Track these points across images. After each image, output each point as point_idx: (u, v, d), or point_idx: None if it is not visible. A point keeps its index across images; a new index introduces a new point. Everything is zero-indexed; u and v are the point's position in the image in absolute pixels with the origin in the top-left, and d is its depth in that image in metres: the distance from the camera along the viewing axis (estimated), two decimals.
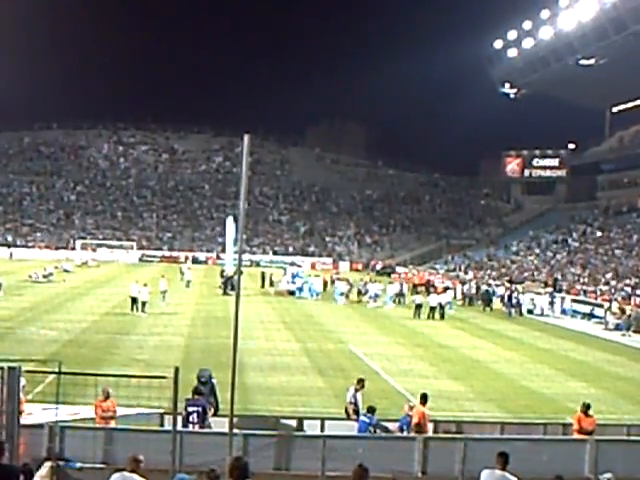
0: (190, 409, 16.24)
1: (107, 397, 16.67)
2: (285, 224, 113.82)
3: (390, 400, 23.71)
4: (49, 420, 14.95)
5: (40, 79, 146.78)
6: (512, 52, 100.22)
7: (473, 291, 61.34)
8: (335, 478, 14.27)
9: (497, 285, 65.33)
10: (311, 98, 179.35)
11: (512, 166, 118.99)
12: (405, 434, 17.26)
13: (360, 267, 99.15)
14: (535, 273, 74.64)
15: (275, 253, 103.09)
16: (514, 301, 55.48)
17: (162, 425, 16.71)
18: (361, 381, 19.91)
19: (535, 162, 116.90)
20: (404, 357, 34.37)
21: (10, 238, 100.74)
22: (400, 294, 58.63)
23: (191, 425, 16.09)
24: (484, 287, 62.68)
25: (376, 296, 56.15)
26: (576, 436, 17.45)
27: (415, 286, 65.21)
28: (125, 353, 30.86)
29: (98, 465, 14.27)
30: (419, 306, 50.17)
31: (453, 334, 43.20)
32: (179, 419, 15.13)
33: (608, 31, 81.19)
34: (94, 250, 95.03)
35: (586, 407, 18.05)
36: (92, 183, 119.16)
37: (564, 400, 25.13)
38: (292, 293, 58.98)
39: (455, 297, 58.01)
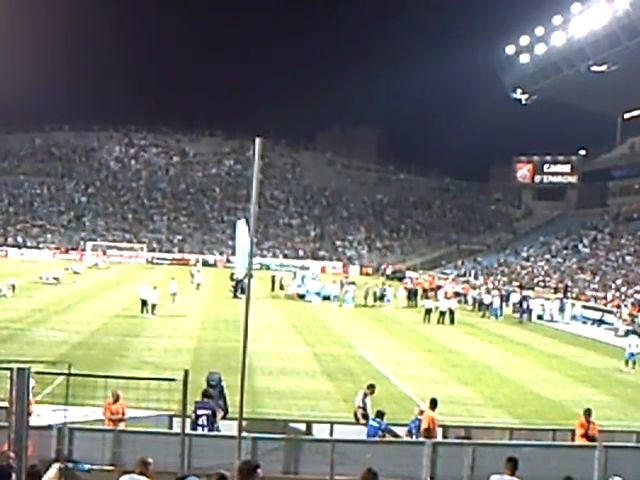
0: (199, 412, 16.25)
1: (117, 400, 16.70)
2: (296, 228, 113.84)
3: (399, 405, 23.70)
4: (58, 422, 14.96)
5: (52, 80, 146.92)
6: (524, 58, 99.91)
7: (483, 296, 61.09)
8: None
9: (510, 291, 65.07)
10: (323, 102, 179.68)
11: (523, 172, 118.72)
12: (414, 439, 17.25)
13: (370, 271, 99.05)
14: (545, 279, 74.48)
15: (285, 257, 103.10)
16: (525, 307, 55.35)
17: (171, 427, 16.73)
18: (371, 386, 19.90)
19: (546, 168, 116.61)
20: (414, 362, 34.36)
21: (20, 239, 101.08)
22: (410, 297, 59.66)
23: (200, 428, 16.09)
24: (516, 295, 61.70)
25: (335, 297, 58.06)
26: (584, 442, 17.43)
27: (425, 291, 65.10)
28: (135, 355, 30.90)
29: (106, 467, 14.30)
30: (429, 311, 50.13)
31: (463, 339, 43.15)
32: (188, 422, 15.13)
33: (620, 38, 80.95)
34: (104, 252, 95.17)
35: (588, 413, 18.07)
36: (103, 185, 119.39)
37: (573, 406, 25.03)
38: (302, 297, 59.02)
39: (467, 302, 58.10)
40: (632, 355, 36.00)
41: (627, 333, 47.57)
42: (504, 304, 58.15)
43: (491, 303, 56.62)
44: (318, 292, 59.35)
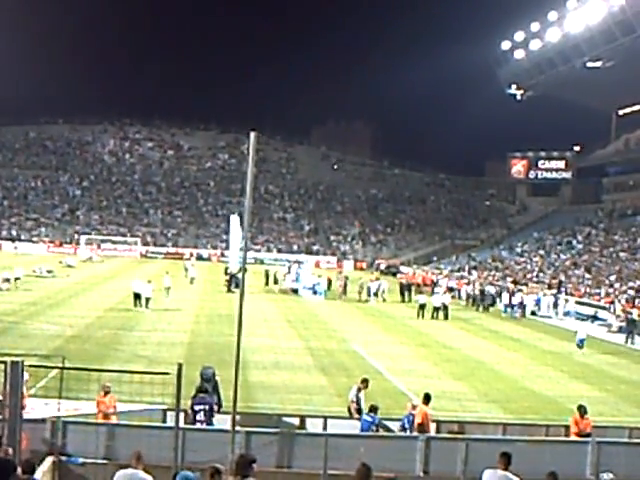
0: (197, 407, 16.23)
1: (106, 393, 16.70)
2: (290, 222, 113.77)
3: (393, 399, 23.70)
4: (51, 415, 14.96)
5: (47, 74, 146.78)
6: (519, 53, 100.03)
7: (477, 292, 61.07)
8: (337, 476, 14.26)
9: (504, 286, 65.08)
10: (318, 97, 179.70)
11: (518, 167, 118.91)
12: (407, 433, 17.27)
13: (364, 266, 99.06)
14: (539, 275, 74.51)
15: (279, 251, 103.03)
16: (517, 302, 55.29)
17: (164, 421, 16.73)
18: (365, 381, 19.88)
19: (541, 164, 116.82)
20: (407, 357, 34.39)
21: (15, 232, 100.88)
22: (403, 292, 59.86)
23: (198, 423, 16.09)
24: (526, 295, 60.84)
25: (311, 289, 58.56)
26: (576, 438, 17.47)
27: (419, 286, 65.05)
28: (128, 349, 30.83)
29: (100, 461, 14.29)
30: (422, 306, 50.08)
31: (457, 334, 43.17)
32: (182, 415, 15.13)
33: (615, 34, 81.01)
34: (98, 246, 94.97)
35: (582, 409, 18.11)
36: (97, 178, 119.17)
37: (566, 402, 25.07)
38: (296, 291, 59.00)
39: (460, 297, 58.17)
40: (582, 341, 39.87)
41: (620, 329, 47.75)
42: (498, 299, 58.35)
43: (492, 298, 56.83)
44: (309, 286, 59.31)
